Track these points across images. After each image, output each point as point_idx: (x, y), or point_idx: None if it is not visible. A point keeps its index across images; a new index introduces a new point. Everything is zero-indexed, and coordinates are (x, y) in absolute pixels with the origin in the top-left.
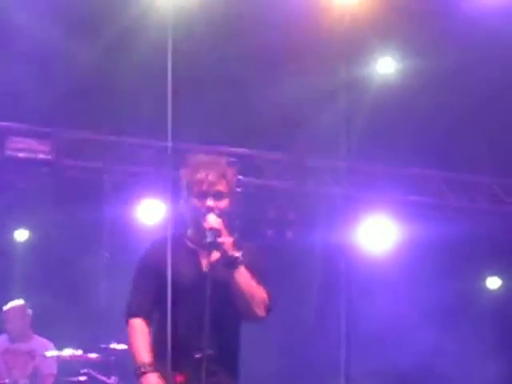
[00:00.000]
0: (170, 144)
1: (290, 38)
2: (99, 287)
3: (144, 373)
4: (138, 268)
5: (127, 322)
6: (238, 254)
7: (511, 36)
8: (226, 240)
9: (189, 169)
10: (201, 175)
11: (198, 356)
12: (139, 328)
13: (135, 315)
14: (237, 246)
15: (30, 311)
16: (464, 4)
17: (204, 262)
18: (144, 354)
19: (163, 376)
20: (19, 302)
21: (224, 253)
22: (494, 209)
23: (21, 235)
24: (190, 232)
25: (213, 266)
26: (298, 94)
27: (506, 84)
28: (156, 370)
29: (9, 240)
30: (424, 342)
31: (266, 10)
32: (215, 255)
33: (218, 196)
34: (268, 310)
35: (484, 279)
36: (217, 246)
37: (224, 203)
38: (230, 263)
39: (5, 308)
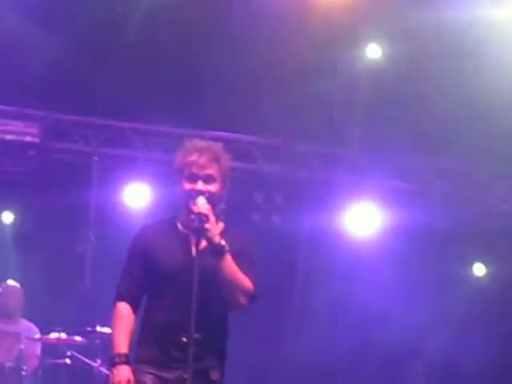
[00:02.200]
0: None
1: (278, 23)
2: (85, 270)
3: (117, 363)
4: (128, 252)
5: (114, 304)
6: (223, 243)
7: (495, 21)
8: (213, 227)
9: (182, 153)
10: (192, 158)
11: (184, 340)
12: (124, 314)
13: (122, 299)
14: (225, 232)
15: (23, 297)
16: None
17: (193, 247)
18: (122, 344)
19: (138, 370)
20: (16, 283)
21: (210, 240)
22: (478, 195)
23: (7, 217)
24: (181, 216)
25: (201, 251)
26: (285, 79)
27: (492, 71)
28: (134, 358)
29: None
30: (409, 325)
31: None
32: (204, 241)
33: (208, 179)
34: (252, 298)
35: (470, 266)
36: (203, 232)
37: (214, 187)
38: (216, 251)
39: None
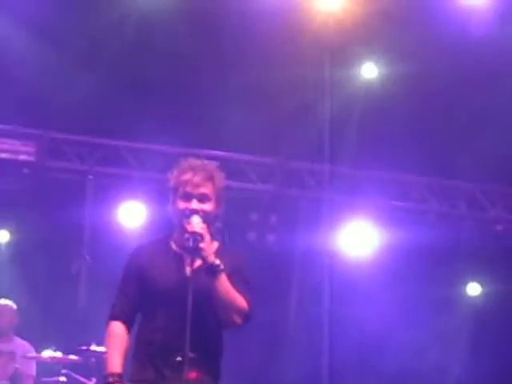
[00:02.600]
0: None
1: (273, 41)
2: (80, 289)
3: (111, 383)
4: (122, 271)
5: (108, 324)
6: (218, 262)
7: (494, 42)
8: (208, 246)
9: (177, 171)
10: (187, 176)
11: (179, 359)
12: (118, 333)
13: (117, 318)
14: (220, 252)
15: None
16: (446, 10)
17: (188, 267)
18: (115, 363)
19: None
20: (10, 302)
21: (204, 260)
22: (474, 214)
23: (2, 236)
24: (175, 235)
25: (196, 271)
26: (279, 97)
27: (488, 91)
28: (129, 377)
29: None
30: (404, 345)
31: (251, 14)
32: (199, 261)
33: (202, 198)
34: (247, 318)
35: (465, 285)
36: (198, 251)
37: (209, 206)
38: (211, 271)
39: None
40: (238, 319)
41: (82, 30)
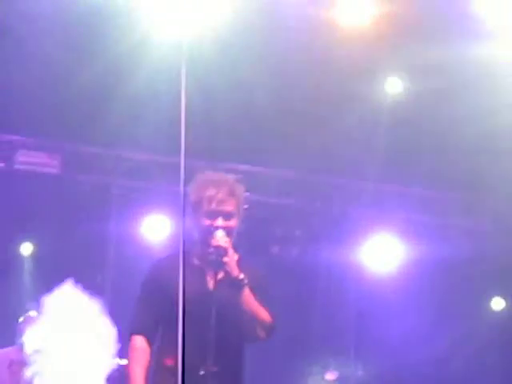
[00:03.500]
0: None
1: (299, 57)
2: (103, 304)
3: None
4: (143, 285)
5: (129, 339)
6: (242, 276)
7: None
8: (231, 260)
9: (197, 186)
10: (210, 193)
11: (202, 373)
12: (139, 347)
13: (138, 332)
14: (241, 265)
15: None
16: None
17: (210, 281)
18: (138, 378)
19: None
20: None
21: (228, 273)
22: (498, 228)
23: (26, 249)
24: (196, 249)
25: (219, 284)
26: (300, 111)
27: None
28: None
29: (15, 254)
30: (429, 361)
31: (274, 30)
32: (222, 274)
33: (227, 215)
34: (271, 331)
35: (489, 300)
36: (222, 265)
37: (233, 222)
38: (235, 285)
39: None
40: (262, 333)
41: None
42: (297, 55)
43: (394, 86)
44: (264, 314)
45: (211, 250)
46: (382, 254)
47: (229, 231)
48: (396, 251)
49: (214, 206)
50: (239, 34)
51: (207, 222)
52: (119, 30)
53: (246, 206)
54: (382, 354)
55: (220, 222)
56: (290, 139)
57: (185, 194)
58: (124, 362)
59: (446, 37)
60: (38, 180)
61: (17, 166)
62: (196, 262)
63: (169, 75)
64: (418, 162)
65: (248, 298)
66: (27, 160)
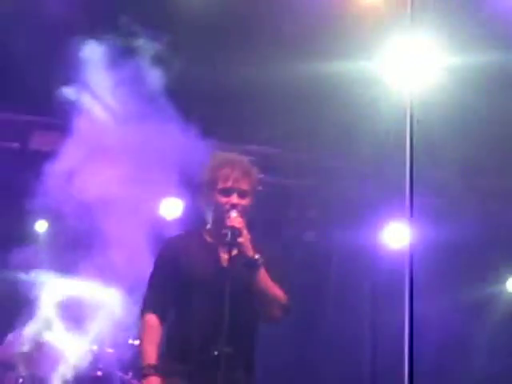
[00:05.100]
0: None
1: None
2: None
3: (147, 375)
4: (155, 264)
5: (141, 317)
6: (257, 256)
7: None
8: (246, 240)
9: (212, 165)
10: (226, 171)
11: (215, 353)
12: (152, 325)
13: (150, 311)
14: (256, 245)
15: None
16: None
17: (223, 258)
18: (151, 355)
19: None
20: None
21: (244, 254)
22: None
23: (41, 226)
24: (209, 227)
25: (232, 261)
26: (318, 94)
27: None
28: (164, 370)
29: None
30: (440, 341)
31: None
32: (235, 251)
33: (242, 193)
34: (286, 311)
35: (505, 281)
36: (237, 245)
37: (247, 201)
38: (250, 265)
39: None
40: (278, 313)
41: None
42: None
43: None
44: (279, 294)
45: (226, 230)
46: (397, 236)
47: (243, 210)
48: (411, 234)
49: (229, 183)
50: None
51: (223, 200)
52: None
53: (260, 188)
54: (395, 340)
55: (235, 199)
56: (306, 122)
57: (198, 175)
58: (136, 342)
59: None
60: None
61: (34, 147)
62: (209, 240)
63: None
64: (428, 145)
65: (264, 278)
66: (43, 140)
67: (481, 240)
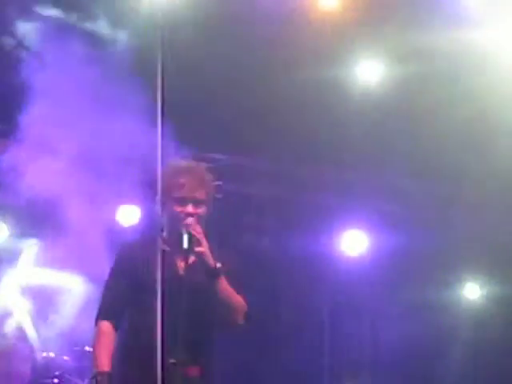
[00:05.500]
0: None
1: (275, 42)
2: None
3: (99, 382)
4: (111, 270)
5: (95, 323)
6: (219, 265)
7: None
8: (206, 249)
9: (168, 173)
10: (182, 180)
11: (172, 361)
12: (105, 332)
13: (105, 318)
14: (214, 253)
15: None
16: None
17: (180, 266)
18: (104, 362)
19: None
20: None
21: (205, 263)
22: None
23: None
24: (165, 235)
25: (190, 269)
26: (280, 98)
27: (498, 92)
28: (118, 377)
29: None
30: (401, 343)
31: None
32: (192, 259)
33: (197, 203)
34: (247, 318)
35: (462, 287)
36: (195, 254)
37: (203, 210)
38: (212, 274)
39: None
40: (239, 319)
41: None
42: (274, 41)
43: (371, 72)
44: (240, 301)
45: (183, 238)
46: (355, 243)
47: (199, 219)
48: (368, 240)
49: (184, 193)
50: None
51: (178, 209)
52: None
53: (219, 196)
54: (355, 347)
55: (190, 208)
56: (264, 127)
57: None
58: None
59: (425, 21)
60: None
61: None
62: (165, 247)
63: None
64: (392, 150)
65: (225, 285)
66: None
67: (439, 246)
